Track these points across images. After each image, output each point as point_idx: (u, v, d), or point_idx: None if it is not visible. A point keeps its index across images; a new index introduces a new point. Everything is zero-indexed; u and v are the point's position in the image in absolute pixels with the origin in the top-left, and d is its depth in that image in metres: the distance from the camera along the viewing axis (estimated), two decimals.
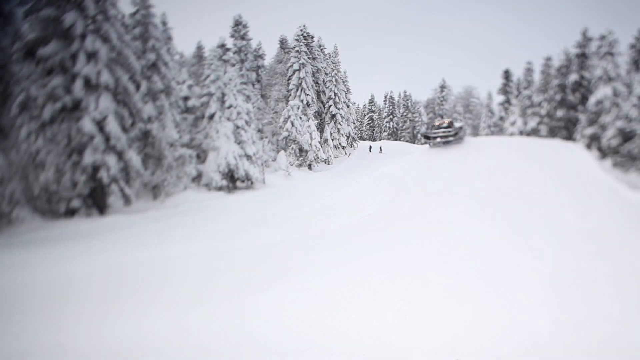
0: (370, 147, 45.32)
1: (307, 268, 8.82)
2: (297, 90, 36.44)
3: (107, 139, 15.61)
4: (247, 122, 24.60)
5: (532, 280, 7.52)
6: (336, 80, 41.76)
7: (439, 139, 23.49)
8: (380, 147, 45.63)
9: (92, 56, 15.40)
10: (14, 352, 4.90)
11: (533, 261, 8.77)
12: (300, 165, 32.86)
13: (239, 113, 24.00)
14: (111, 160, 15.59)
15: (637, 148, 20.91)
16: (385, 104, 68.09)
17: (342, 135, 41.98)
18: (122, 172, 16.34)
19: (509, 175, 18.41)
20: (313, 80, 39.19)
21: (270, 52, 43.55)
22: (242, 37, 36.29)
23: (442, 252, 9.39)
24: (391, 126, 66.19)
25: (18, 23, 15.30)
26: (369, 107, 70.98)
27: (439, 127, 24.28)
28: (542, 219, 12.98)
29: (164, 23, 24.10)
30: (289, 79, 37.04)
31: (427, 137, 24.13)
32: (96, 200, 15.93)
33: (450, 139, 23.18)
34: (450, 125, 24.31)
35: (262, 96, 36.61)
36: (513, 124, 35.13)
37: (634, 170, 20.81)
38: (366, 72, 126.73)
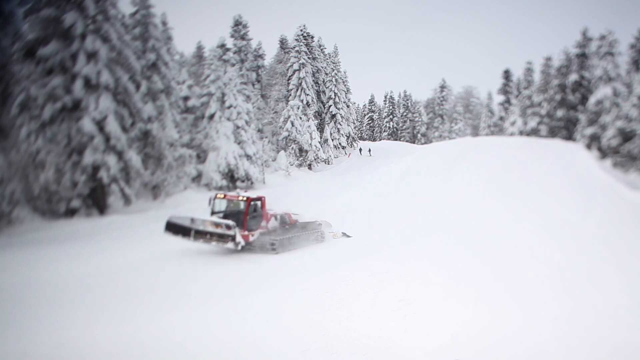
0: (361, 150, 42.79)
1: (307, 268, 8.82)
2: (297, 90, 36.44)
3: (107, 139, 15.60)
4: (247, 122, 24.60)
5: (532, 280, 7.52)
6: (336, 80, 41.75)
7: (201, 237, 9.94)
8: (370, 149, 42.57)
9: (92, 56, 15.39)
10: (13, 352, 4.89)
11: (533, 261, 8.77)
12: (300, 165, 32.85)
13: (239, 113, 24.00)
14: (111, 160, 15.58)
15: (637, 148, 20.91)
16: (385, 104, 68.10)
17: (342, 135, 41.97)
18: (122, 172, 16.33)
19: (509, 176, 18.41)
20: (313, 80, 39.19)
21: (270, 52, 43.57)
22: (242, 37, 36.27)
23: (442, 253, 9.39)
24: (391, 126, 66.18)
25: (18, 23, 15.29)
26: (369, 107, 70.98)
27: (227, 202, 11.09)
28: (542, 219, 12.98)
29: (164, 23, 24.09)
30: (289, 79, 37.04)
31: (173, 228, 10.17)
32: (96, 200, 15.92)
33: (229, 245, 9.68)
34: (244, 210, 10.52)
35: (262, 96, 36.61)
36: (513, 124, 35.13)
37: (634, 170, 20.82)
38: (366, 72, 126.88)
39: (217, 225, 9.87)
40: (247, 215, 10.33)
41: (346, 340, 5.17)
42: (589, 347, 5.10)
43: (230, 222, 9.74)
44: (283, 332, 5.40)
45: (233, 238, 9.59)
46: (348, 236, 12.66)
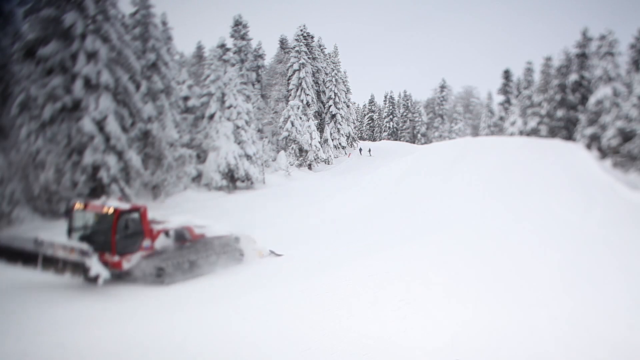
0: (361, 150, 43.01)
1: (307, 269, 8.82)
2: (297, 90, 36.43)
3: (107, 139, 15.60)
4: (247, 122, 24.61)
5: (532, 280, 7.52)
6: (336, 80, 41.75)
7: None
8: (370, 149, 42.80)
9: (92, 56, 15.39)
10: (13, 352, 4.89)
11: (533, 261, 8.77)
12: (300, 165, 32.85)
13: (239, 113, 23.99)
14: (111, 160, 15.58)
15: (637, 148, 20.90)
16: (385, 104, 68.13)
17: (342, 135, 41.97)
18: (122, 172, 16.32)
19: (509, 176, 18.41)
20: (313, 80, 39.19)
21: (270, 52, 43.51)
22: (242, 37, 36.27)
23: (442, 253, 9.39)
24: (391, 126, 66.20)
25: (18, 23, 15.29)
26: (369, 107, 71.01)
27: (94, 214, 8.27)
28: (542, 219, 12.97)
29: (164, 23, 24.08)
30: (289, 79, 37.03)
31: (6, 253, 7.64)
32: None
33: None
34: (115, 227, 7.80)
35: (262, 96, 36.61)
36: (513, 124, 35.14)
37: (634, 170, 20.80)
38: (366, 72, 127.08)
39: (70, 249, 7.22)
40: (115, 233, 7.69)
41: (346, 340, 5.17)
42: (589, 347, 5.10)
43: (84, 246, 7.19)
44: (283, 332, 5.40)
45: (88, 269, 7.02)
46: (277, 255, 10.37)
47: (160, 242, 8.52)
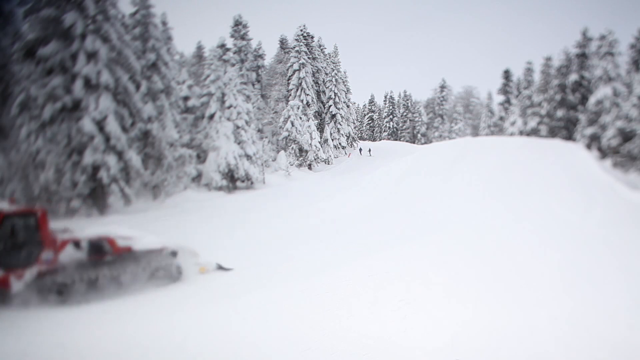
0: (361, 150, 42.95)
1: (307, 269, 8.81)
2: (297, 90, 36.44)
3: (107, 139, 15.61)
4: (247, 122, 24.62)
5: (531, 280, 7.51)
6: (336, 80, 41.76)
7: None
8: (370, 149, 42.73)
9: (92, 56, 15.41)
10: (13, 352, 4.89)
11: (533, 261, 8.76)
12: (300, 165, 32.85)
13: (239, 113, 24.01)
14: (111, 160, 15.59)
15: (637, 148, 20.90)
16: (385, 104, 68.16)
17: (342, 135, 41.97)
18: (122, 172, 16.34)
19: (509, 176, 18.40)
20: (313, 80, 39.19)
21: (270, 52, 43.57)
22: (242, 37, 36.30)
23: (442, 253, 9.38)
24: (391, 126, 66.21)
25: (18, 23, 15.32)
26: (369, 107, 71.03)
27: None
28: (542, 219, 12.97)
29: (164, 23, 24.12)
30: (289, 79, 37.04)
31: None
32: (96, 200, 15.92)
33: None
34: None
35: (262, 96, 36.63)
36: (513, 124, 35.15)
37: (634, 170, 20.80)
38: (366, 72, 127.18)
39: None
40: None
41: (346, 340, 5.16)
42: (589, 347, 5.10)
43: None
44: (283, 332, 5.39)
45: None
46: (226, 269, 8.92)
47: (68, 254, 7.08)
